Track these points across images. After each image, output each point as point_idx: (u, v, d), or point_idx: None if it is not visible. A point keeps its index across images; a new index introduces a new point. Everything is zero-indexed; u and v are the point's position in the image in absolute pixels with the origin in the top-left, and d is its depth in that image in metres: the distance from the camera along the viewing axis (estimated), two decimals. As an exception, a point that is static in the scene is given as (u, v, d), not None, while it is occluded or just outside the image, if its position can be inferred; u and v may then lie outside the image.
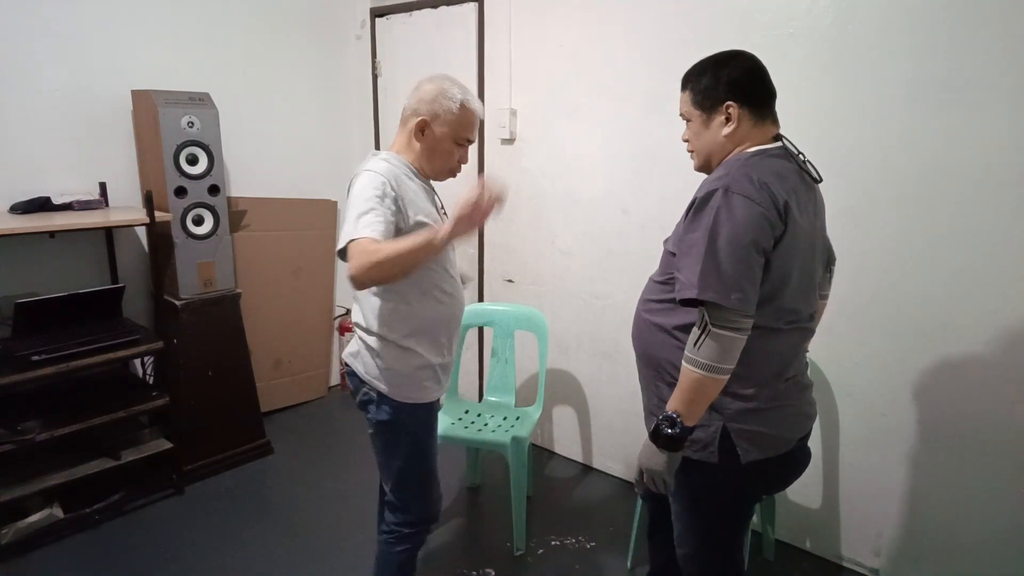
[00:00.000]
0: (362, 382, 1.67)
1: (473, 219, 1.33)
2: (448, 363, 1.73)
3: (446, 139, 1.61)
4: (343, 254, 1.42)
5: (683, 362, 1.30)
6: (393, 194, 1.50)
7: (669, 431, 1.31)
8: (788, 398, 1.43)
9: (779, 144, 1.43)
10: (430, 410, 1.71)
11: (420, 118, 1.59)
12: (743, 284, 1.25)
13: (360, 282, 1.40)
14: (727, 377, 1.29)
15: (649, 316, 1.49)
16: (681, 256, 1.32)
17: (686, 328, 1.37)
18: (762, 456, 1.39)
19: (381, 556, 1.77)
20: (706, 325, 1.26)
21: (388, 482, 1.71)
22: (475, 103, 1.63)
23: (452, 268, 1.70)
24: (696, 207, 1.31)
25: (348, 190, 1.55)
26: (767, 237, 1.28)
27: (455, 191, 1.72)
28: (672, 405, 1.32)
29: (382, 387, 1.63)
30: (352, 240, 1.40)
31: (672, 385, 1.40)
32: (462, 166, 1.69)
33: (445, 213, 1.70)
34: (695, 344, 1.28)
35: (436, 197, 1.70)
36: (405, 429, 1.66)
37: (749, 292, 1.26)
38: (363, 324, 1.65)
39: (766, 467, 1.41)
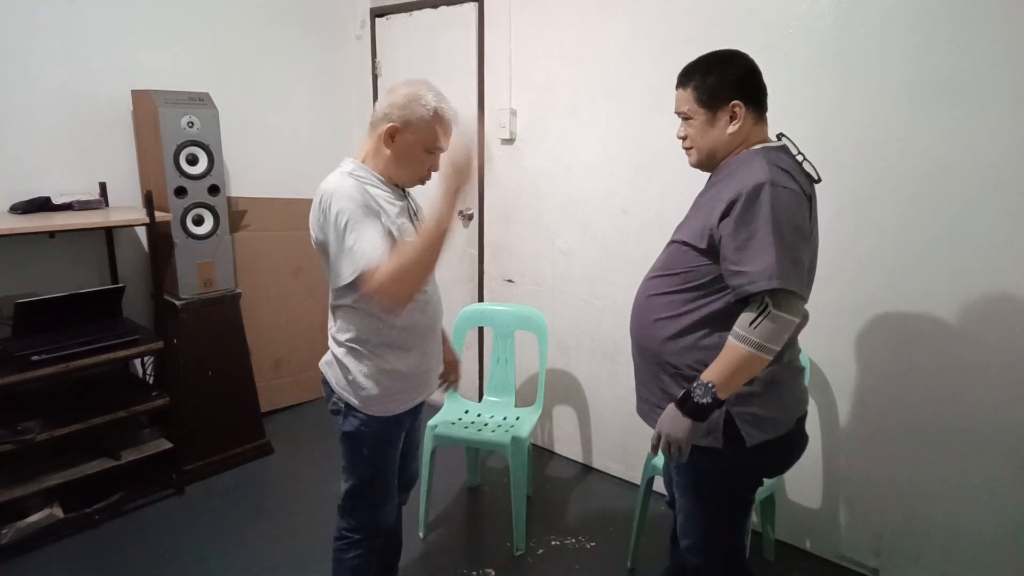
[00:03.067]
0: (333, 391, 1.65)
1: (462, 175, 1.37)
2: (426, 370, 1.70)
3: (416, 147, 1.54)
4: (354, 285, 1.44)
5: (731, 338, 1.33)
6: (367, 202, 1.48)
7: (702, 400, 1.33)
8: (784, 380, 1.47)
9: (781, 143, 1.48)
10: (397, 424, 1.68)
11: (391, 124, 1.52)
12: (803, 271, 1.33)
13: (399, 304, 1.45)
14: (771, 359, 1.32)
15: (655, 311, 1.50)
16: (737, 250, 1.33)
17: (703, 322, 1.42)
18: (765, 438, 1.43)
19: (334, 563, 1.77)
20: (767, 307, 1.29)
21: (344, 487, 1.71)
22: (450, 111, 1.55)
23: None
24: (746, 202, 1.32)
25: (323, 209, 1.48)
26: (807, 226, 1.37)
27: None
28: (710, 376, 1.34)
29: (352, 399, 1.61)
30: (363, 272, 1.40)
31: (675, 376, 1.46)
32: (432, 174, 1.62)
33: (418, 218, 1.66)
34: (751, 324, 1.31)
35: (410, 202, 1.66)
36: (367, 444, 1.65)
37: (805, 279, 1.35)
38: (336, 335, 1.62)
39: (769, 449, 1.45)
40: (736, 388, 1.35)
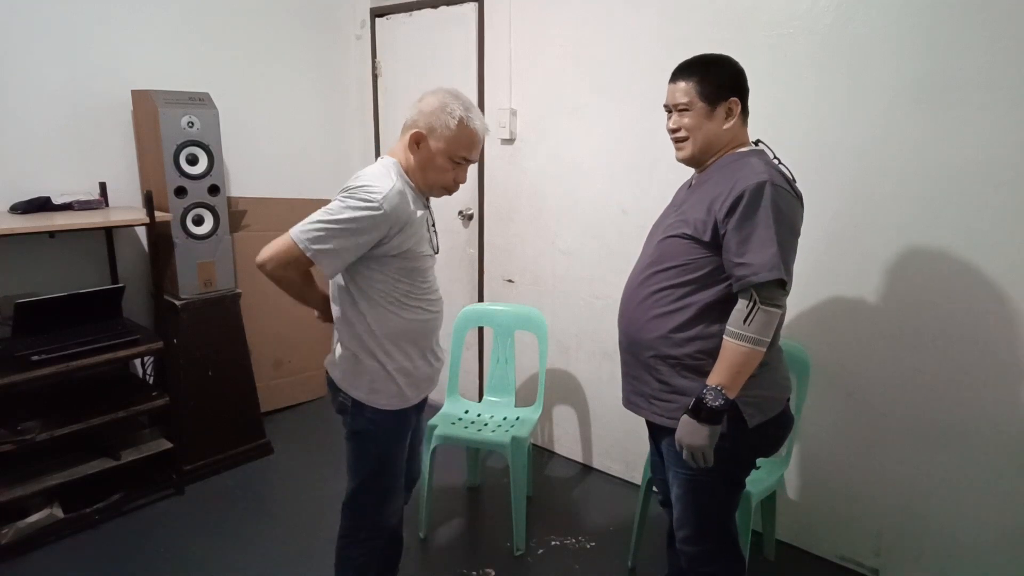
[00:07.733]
0: (338, 389, 1.66)
1: None
2: (430, 370, 1.71)
3: (440, 155, 1.56)
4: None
5: (729, 339, 1.41)
6: (376, 230, 1.49)
7: (716, 404, 1.40)
8: (773, 361, 1.53)
9: (759, 148, 1.56)
10: (403, 422, 1.69)
11: (416, 130, 1.55)
12: (791, 268, 1.43)
13: (264, 269, 1.58)
14: (764, 350, 1.41)
15: (655, 307, 1.54)
16: (741, 243, 1.40)
17: (702, 314, 1.47)
18: (764, 418, 1.50)
19: (337, 561, 1.78)
20: (755, 303, 1.38)
21: (350, 485, 1.72)
22: (477, 122, 1.57)
23: (434, 281, 1.70)
24: (750, 198, 1.39)
25: (348, 185, 1.53)
26: (800, 227, 1.47)
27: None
28: (716, 380, 1.41)
29: (356, 393, 1.62)
30: (294, 237, 1.50)
31: (675, 367, 1.51)
32: (459, 185, 1.64)
33: (435, 231, 1.68)
34: (745, 321, 1.39)
35: (430, 215, 1.67)
36: (375, 441, 1.66)
37: (791, 275, 1.44)
38: (343, 330, 1.64)
39: (766, 429, 1.53)
40: (741, 384, 1.41)
